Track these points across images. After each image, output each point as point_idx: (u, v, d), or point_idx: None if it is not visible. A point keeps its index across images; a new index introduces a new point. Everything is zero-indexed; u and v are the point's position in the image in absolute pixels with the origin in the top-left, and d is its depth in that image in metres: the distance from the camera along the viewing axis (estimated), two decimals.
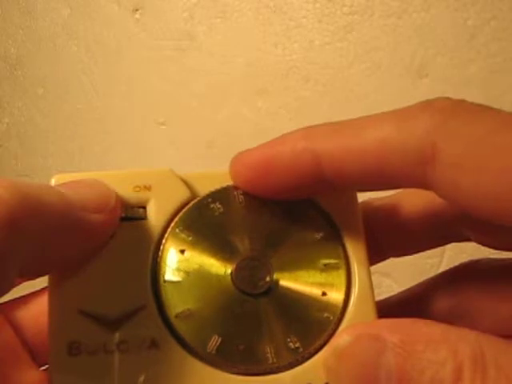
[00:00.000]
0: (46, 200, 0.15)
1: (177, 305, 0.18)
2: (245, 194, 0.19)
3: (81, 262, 0.18)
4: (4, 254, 0.14)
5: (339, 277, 0.18)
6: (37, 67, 0.65)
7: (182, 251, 0.18)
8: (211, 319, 0.18)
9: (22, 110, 0.65)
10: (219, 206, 0.19)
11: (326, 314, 0.18)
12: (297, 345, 0.18)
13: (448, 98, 0.16)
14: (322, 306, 0.18)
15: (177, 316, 0.18)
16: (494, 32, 0.47)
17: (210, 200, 0.19)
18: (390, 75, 0.50)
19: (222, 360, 0.17)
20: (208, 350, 0.17)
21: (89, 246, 0.17)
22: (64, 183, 0.18)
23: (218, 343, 0.17)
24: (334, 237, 0.19)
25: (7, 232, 0.14)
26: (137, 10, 0.60)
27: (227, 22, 0.56)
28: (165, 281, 0.18)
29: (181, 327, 0.17)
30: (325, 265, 0.18)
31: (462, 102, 0.16)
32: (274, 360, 0.17)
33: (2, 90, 0.66)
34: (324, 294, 0.18)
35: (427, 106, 0.16)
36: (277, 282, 0.18)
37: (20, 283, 0.19)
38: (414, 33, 0.50)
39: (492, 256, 0.21)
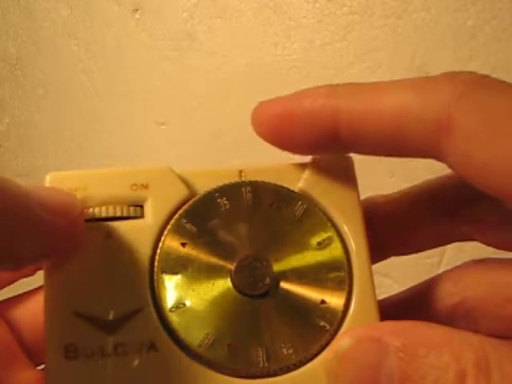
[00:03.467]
0: (4, 187, 0.15)
1: (172, 298, 0.18)
2: (253, 192, 0.19)
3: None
4: None
5: (340, 279, 0.18)
6: (37, 67, 0.65)
7: (183, 244, 0.18)
8: (205, 316, 0.17)
9: (22, 110, 0.65)
10: (226, 201, 0.19)
11: (322, 323, 0.18)
12: (290, 351, 0.17)
13: (473, 72, 0.16)
14: (319, 314, 0.18)
15: (171, 310, 0.17)
16: (494, 32, 0.47)
17: (217, 195, 0.19)
18: (390, 75, 0.50)
19: (212, 359, 0.17)
20: (200, 348, 0.17)
21: (50, 249, 0.17)
22: (28, 183, 0.17)
23: (210, 341, 0.17)
24: (336, 239, 0.19)
25: None
26: (137, 10, 0.60)
27: (227, 21, 0.56)
28: (162, 272, 0.18)
29: (174, 321, 0.17)
30: (327, 268, 0.18)
31: (486, 76, 0.16)
32: (265, 364, 0.17)
33: (2, 89, 0.66)
34: (323, 302, 0.18)
35: (451, 77, 0.16)
36: (276, 284, 0.18)
37: (14, 281, 0.19)
38: (413, 33, 0.49)
39: (493, 256, 0.21)
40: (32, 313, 0.19)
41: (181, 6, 0.58)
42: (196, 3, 0.58)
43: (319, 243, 0.19)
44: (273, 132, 0.18)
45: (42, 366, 0.18)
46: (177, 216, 0.18)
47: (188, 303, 0.18)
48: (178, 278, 0.18)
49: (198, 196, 0.19)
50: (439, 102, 0.16)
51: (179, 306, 0.17)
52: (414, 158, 0.18)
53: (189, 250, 0.18)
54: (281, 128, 0.18)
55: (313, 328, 0.18)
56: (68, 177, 0.18)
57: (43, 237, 0.16)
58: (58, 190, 0.18)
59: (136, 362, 0.17)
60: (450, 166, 0.16)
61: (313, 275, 0.18)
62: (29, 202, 0.16)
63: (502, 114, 0.15)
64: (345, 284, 0.18)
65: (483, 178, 0.15)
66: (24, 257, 0.17)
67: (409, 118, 0.16)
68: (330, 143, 0.18)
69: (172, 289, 0.18)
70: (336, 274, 0.18)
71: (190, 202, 0.19)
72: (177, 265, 0.18)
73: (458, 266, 0.21)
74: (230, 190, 0.19)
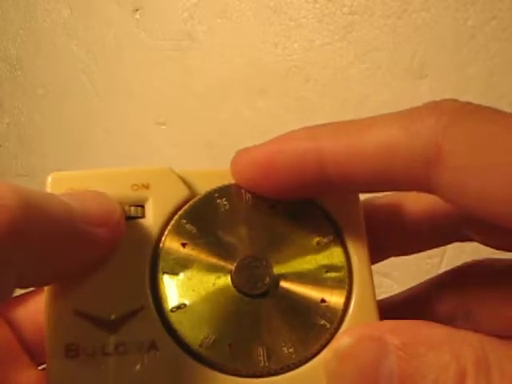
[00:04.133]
0: (48, 208, 0.15)
1: (173, 298, 0.18)
2: (253, 192, 0.19)
3: (81, 274, 0.17)
4: (4, 259, 0.14)
5: (340, 279, 0.18)
6: (37, 67, 0.65)
7: (184, 244, 0.18)
8: (206, 316, 0.17)
9: (22, 110, 0.65)
10: (225, 202, 0.19)
11: (322, 322, 0.18)
12: (290, 350, 0.17)
13: (455, 100, 0.16)
14: (319, 312, 0.18)
15: (172, 310, 0.17)
16: (494, 32, 0.47)
17: (216, 195, 0.19)
18: (390, 75, 0.50)
19: (212, 358, 0.17)
20: (200, 347, 0.17)
21: (90, 259, 0.17)
22: (68, 193, 0.17)
23: (210, 341, 0.17)
24: (336, 238, 0.19)
25: (8, 237, 0.13)
26: (137, 10, 0.60)
27: (227, 22, 0.56)
28: (163, 273, 0.18)
29: (175, 321, 0.17)
30: (326, 267, 0.18)
31: (469, 104, 0.16)
32: (266, 363, 0.17)
33: (2, 89, 0.66)
34: (323, 300, 0.18)
35: (434, 108, 0.16)
36: (276, 283, 0.18)
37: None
38: (414, 33, 0.49)
39: (493, 256, 0.21)
40: (33, 312, 0.19)
41: (181, 6, 0.58)
42: (196, 3, 0.58)
43: (319, 243, 0.19)
44: (255, 180, 0.18)
45: (44, 366, 0.18)
46: (177, 216, 0.18)
47: (188, 303, 0.18)
48: (178, 278, 0.18)
49: (198, 197, 0.19)
50: (425, 134, 0.15)
51: (180, 306, 0.18)
52: (404, 191, 0.18)
53: (189, 251, 0.18)
54: (263, 176, 0.18)
55: (313, 327, 0.18)
56: (69, 177, 0.18)
57: (86, 249, 0.17)
58: (98, 196, 0.17)
59: (137, 362, 0.17)
60: (442, 198, 0.16)
61: (312, 274, 0.18)
62: (71, 219, 0.16)
63: (490, 141, 0.15)
64: (344, 283, 0.18)
65: (478, 207, 0.15)
66: (67, 271, 0.17)
67: (396, 153, 0.16)
68: (315, 186, 0.18)
69: (173, 289, 0.18)
70: (336, 273, 0.18)
71: (190, 202, 0.19)
72: (177, 265, 0.18)
73: (458, 267, 0.21)
74: (229, 191, 0.19)
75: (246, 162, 0.18)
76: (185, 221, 0.18)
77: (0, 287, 0.14)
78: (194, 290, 0.18)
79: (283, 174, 0.17)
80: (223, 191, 0.19)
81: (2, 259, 0.14)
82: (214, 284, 0.18)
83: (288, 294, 0.18)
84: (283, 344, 0.17)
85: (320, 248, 0.19)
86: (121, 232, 0.18)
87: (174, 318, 0.17)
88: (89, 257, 0.17)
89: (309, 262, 0.18)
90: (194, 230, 0.18)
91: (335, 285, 0.18)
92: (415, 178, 0.16)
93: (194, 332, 0.17)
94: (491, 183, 0.15)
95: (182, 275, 0.18)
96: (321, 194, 0.19)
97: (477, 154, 0.15)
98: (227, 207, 0.19)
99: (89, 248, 0.17)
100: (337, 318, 0.18)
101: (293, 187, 0.18)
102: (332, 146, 0.17)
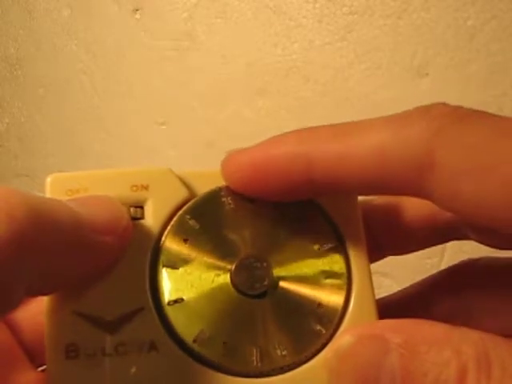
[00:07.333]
0: (57, 218, 0.15)
1: (171, 292, 0.18)
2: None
3: (87, 281, 0.17)
4: (12, 269, 0.14)
5: (339, 284, 0.18)
6: (37, 67, 0.65)
7: (186, 240, 0.18)
8: (203, 312, 0.18)
9: (22, 110, 0.65)
10: (230, 201, 0.19)
11: (318, 328, 0.18)
12: (284, 352, 0.17)
13: (445, 104, 0.16)
14: (316, 317, 0.18)
15: (169, 303, 0.17)
16: (494, 32, 0.47)
17: (222, 194, 0.19)
18: (390, 75, 0.50)
19: (205, 355, 0.17)
20: (194, 343, 0.17)
21: (97, 267, 0.17)
22: (75, 199, 0.17)
23: (205, 337, 0.17)
24: (336, 243, 0.19)
25: (16, 249, 0.13)
26: (137, 10, 0.60)
27: (227, 22, 0.56)
28: (163, 266, 0.18)
29: (172, 316, 0.17)
30: (326, 273, 0.18)
31: (459, 108, 0.16)
32: (258, 364, 0.17)
33: (2, 90, 0.66)
34: (320, 305, 0.18)
35: (424, 112, 0.16)
36: (275, 285, 0.18)
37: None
38: (414, 33, 0.50)
39: (492, 255, 0.21)
40: (32, 314, 0.19)
41: (181, 6, 0.58)
42: (196, 3, 0.58)
43: (320, 247, 0.19)
44: (245, 182, 0.18)
45: (43, 367, 0.18)
46: (181, 212, 0.18)
47: (186, 298, 0.18)
48: (178, 272, 0.18)
49: (204, 193, 0.19)
50: (417, 139, 0.15)
51: (177, 300, 0.18)
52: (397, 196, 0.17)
53: (190, 246, 0.18)
54: (253, 178, 0.18)
55: (308, 331, 0.18)
56: (69, 178, 0.18)
57: (95, 258, 0.17)
58: (106, 201, 0.17)
59: (137, 362, 0.17)
60: (436, 203, 0.16)
61: (312, 278, 0.18)
62: (80, 228, 0.16)
63: (482, 144, 0.15)
64: (343, 287, 0.18)
65: (473, 212, 0.15)
66: (75, 278, 0.17)
67: (387, 158, 0.16)
68: (305, 191, 0.18)
69: (171, 283, 0.18)
70: (335, 278, 0.18)
71: (196, 198, 0.19)
72: (178, 259, 0.18)
73: (456, 265, 0.21)
74: (235, 190, 0.19)
75: (234, 166, 0.18)
76: (189, 216, 0.18)
77: (9, 298, 0.14)
78: (192, 286, 0.18)
79: (272, 178, 0.17)
80: (229, 190, 0.19)
81: (10, 270, 0.14)
82: (212, 281, 0.18)
83: (286, 296, 0.18)
84: (277, 346, 0.17)
85: (320, 252, 0.19)
86: (129, 238, 0.17)
87: (170, 312, 0.17)
88: (97, 265, 0.17)
89: (309, 266, 0.18)
90: (197, 226, 0.18)
91: (334, 289, 0.18)
92: (408, 183, 0.16)
93: (189, 327, 0.17)
94: (485, 187, 0.14)
95: (181, 270, 0.18)
96: (312, 196, 0.19)
97: (470, 159, 0.15)
98: (232, 206, 0.19)
99: (97, 256, 0.17)
100: (333, 324, 0.18)
101: (283, 190, 0.18)
102: (321, 150, 0.17)
